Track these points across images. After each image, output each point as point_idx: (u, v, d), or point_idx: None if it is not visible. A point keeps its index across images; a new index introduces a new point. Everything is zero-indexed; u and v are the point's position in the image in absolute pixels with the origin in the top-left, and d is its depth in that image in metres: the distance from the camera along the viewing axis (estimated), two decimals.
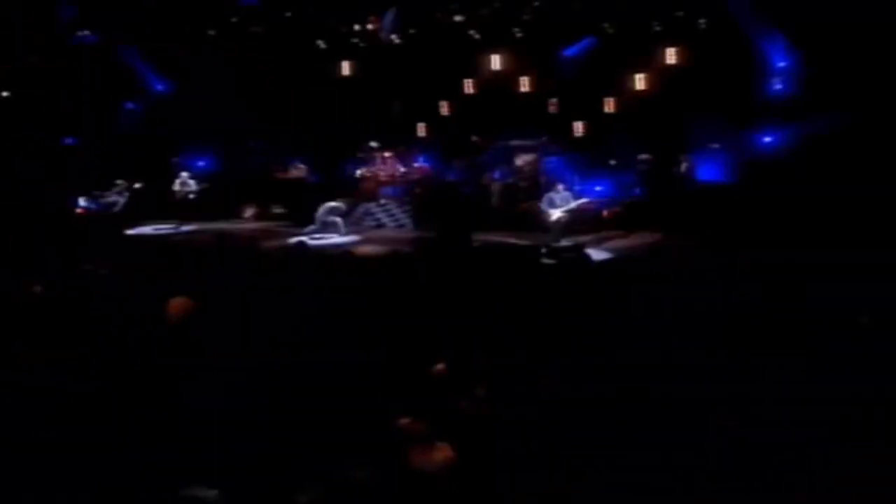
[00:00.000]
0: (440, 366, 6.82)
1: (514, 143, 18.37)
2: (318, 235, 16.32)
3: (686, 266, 12.74)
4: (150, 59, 20.45)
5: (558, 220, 15.23)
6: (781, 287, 9.56)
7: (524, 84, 18.78)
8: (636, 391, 6.66)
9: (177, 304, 8.69)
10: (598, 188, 17.15)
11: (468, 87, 19.14)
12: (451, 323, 8.31)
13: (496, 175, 17.99)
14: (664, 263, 13.39)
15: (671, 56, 17.65)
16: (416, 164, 18.72)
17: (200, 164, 20.12)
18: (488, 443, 6.14)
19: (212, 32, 19.82)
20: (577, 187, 16.51)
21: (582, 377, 7.06)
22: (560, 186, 15.74)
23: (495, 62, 18.82)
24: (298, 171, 19.31)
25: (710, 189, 16.62)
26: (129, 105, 20.67)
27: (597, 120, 18.25)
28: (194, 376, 7.05)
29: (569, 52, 18.66)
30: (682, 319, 8.74)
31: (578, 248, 12.91)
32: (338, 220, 16.80)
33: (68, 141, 19.75)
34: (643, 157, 17.52)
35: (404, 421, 6.05)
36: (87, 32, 19.73)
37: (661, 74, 17.74)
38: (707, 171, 17.21)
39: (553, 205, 15.38)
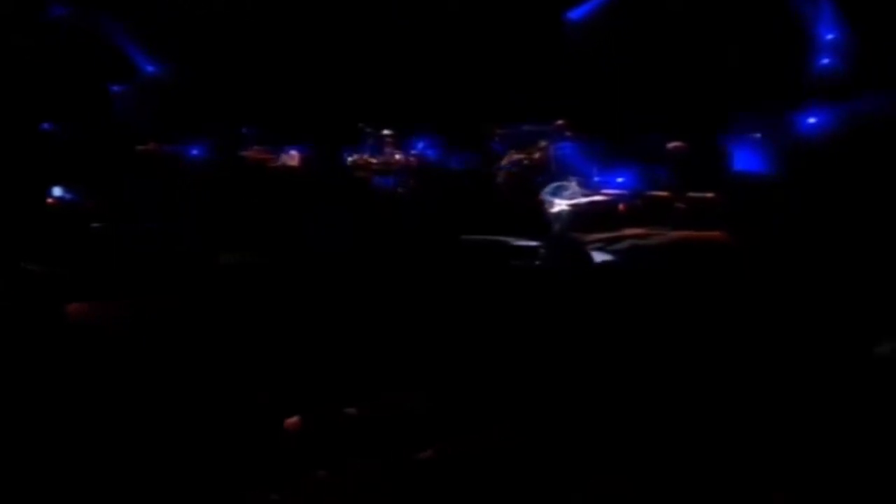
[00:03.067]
0: (296, 418, 4.86)
1: (526, 128, 16.63)
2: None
3: (714, 271, 11.08)
4: (137, 37, 19.24)
5: (559, 214, 13.71)
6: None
7: (530, 56, 16.75)
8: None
9: (74, 308, 8.67)
10: (619, 179, 15.27)
11: (469, 62, 17.21)
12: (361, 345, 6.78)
13: (505, 165, 16.28)
14: (685, 268, 11.73)
15: (703, 23, 15.66)
16: (413, 151, 17.21)
17: (193, 152, 18.60)
18: None
19: None
20: (595, 178, 14.93)
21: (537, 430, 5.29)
22: (572, 178, 14.37)
23: (496, 31, 16.84)
24: (291, 159, 17.83)
25: (746, 180, 14.86)
26: (115, 88, 19.32)
27: (616, 99, 16.29)
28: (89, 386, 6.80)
29: (575, 14, 16.88)
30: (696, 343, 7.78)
31: (576, 247, 11.36)
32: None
33: (44, 126, 18.52)
34: (673, 144, 15.63)
35: None
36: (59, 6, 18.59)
37: (689, 44, 15.80)
38: (744, 160, 15.32)
39: (557, 196, 13.95)
